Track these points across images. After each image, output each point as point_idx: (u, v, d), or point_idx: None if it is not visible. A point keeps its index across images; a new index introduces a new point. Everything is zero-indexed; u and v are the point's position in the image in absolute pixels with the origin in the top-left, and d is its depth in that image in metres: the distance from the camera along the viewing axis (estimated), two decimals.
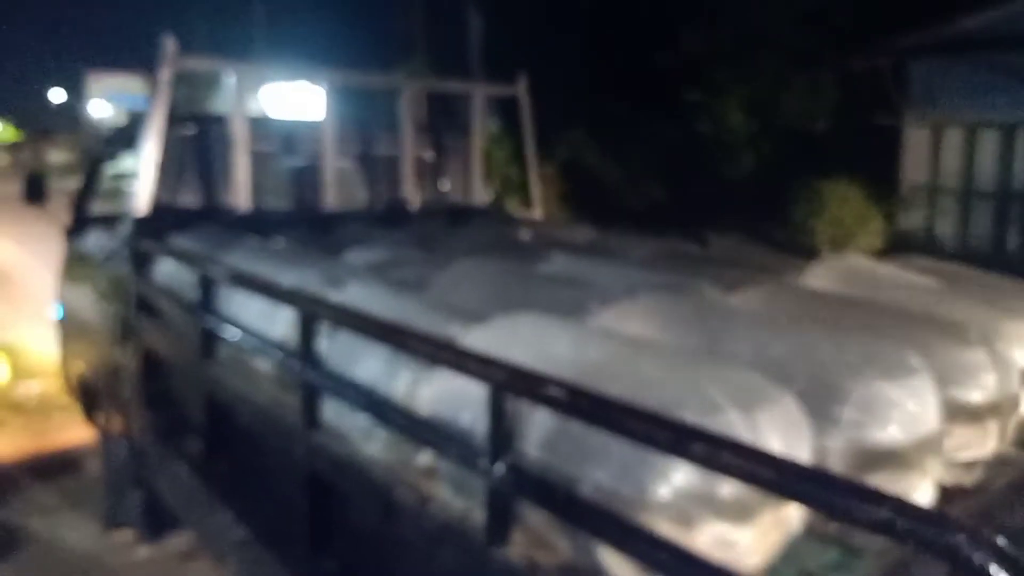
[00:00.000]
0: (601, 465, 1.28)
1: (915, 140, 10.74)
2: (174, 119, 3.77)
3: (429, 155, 4.83)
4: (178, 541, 3.68)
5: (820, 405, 1.42)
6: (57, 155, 50.84)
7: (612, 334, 1.65)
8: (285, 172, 4.35)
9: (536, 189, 5.04)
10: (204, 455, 2.76)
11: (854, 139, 11.02)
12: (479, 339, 1.65)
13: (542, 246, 3.25)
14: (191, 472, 2.85)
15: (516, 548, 1.42)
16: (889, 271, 2.23)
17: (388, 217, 4.24)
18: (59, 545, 3.83)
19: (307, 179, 4.24)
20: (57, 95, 54.65)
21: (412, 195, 4.48)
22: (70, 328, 4.62)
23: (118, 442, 3.73)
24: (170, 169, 3.66)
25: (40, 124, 60.05)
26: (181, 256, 3.04)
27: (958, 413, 1.57)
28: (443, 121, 5.27)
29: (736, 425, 1.20)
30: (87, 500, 4.17)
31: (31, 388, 5.87)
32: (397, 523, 1.73)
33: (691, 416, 1.14)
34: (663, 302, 1.91)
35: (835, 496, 0.93)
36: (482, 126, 4.96)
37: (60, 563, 3.69)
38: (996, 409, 1.63)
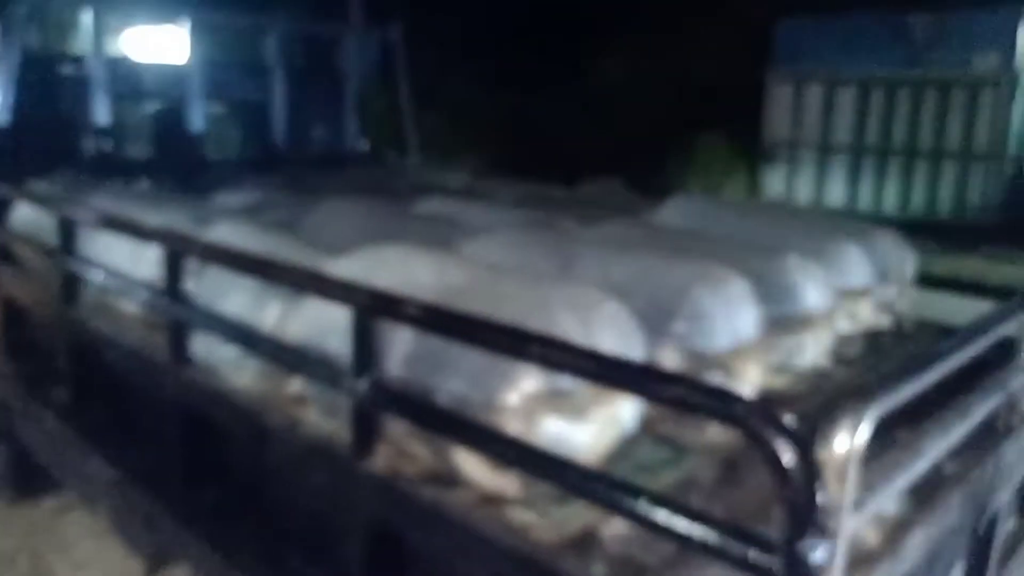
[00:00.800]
0: (454, 375, 1.40)
1: (779, 96, 11.30)
2: (28, 60, 3.61)
3: (300, 99, 4.73)
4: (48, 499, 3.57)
5: (655, 319, 1.58)
6: None
7: (471, 262, 1.76)
8: (147, 116, 4.19)
9: (412, 136, 5.05)
10: (71, 402, 2.71)
11: (734, 95, 11.49)
12: (344, 268, 1.72)
13: (415, 189, 3.32)
14: (58, 420, 2.80)
15: (380, 460, 1.52)
16: (730, 209, 2.43)
17: (258, 162, 4.18)
18: None
19: (170, 123, 4.11)
20: None
21: (282, 140, 4.42)
22: None
23: None
24: (26, 113, 3.50)
25: None
26: (40, 200, 2.93)
27: (777, 326, 1.76)
28: (319, 66, 5.17)
29: (571, 331, 1.34)
30: None
31: None
32: (269, 449, 1.80)
33: (533, 325, 1.26)
34: (522, 234, 2.03)
35: (639, 378, 1.07)
36: (357, 71, 4.92)
37: None
38: (811, 323, 1.84)
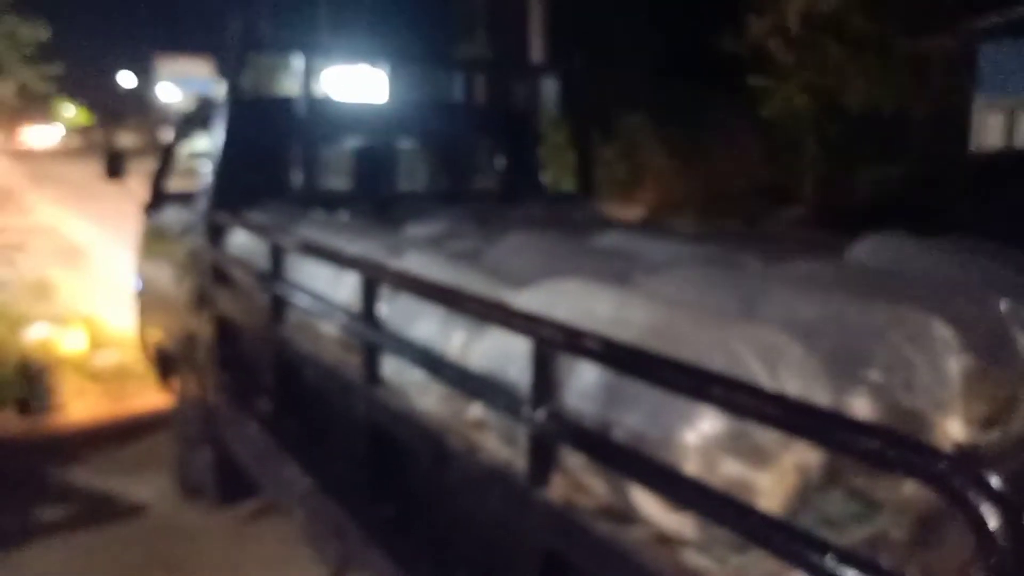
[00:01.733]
0: (632, 411, 1.40)
1: (987, 124, 10.49)
2: (244, 101, 3.99)
3: (484, 135, 4.96)
4: (247, 504, 3.89)
5: (845, 365, 1.51)
6: (127, 138, 52.56)
7: (652, 297, 1.77)
8: (349, 152, 4.52)
9: (591, 171, 5.14)
10: (273, 414, 2.96)
11: (921, 123, 10.84)
12: (527, 300, 1.78)
13: (594, 223, 3.37)
14: (261, 430, 3.06)
15: (556, 490, 1.54)
16: (933, 248, 2.27)
17: (444, 195, 4.41)
18: (135, 505, 4.07)
19: (368, 158, 4.47)
20: (126, 79, 56.32)
21: (467, 175, 4.65)
22: (147, 299, 4.90)
23: (192, 405, 3.98)
24: (241, 149, 3.85)
25: (110, 108, 62.12)
26: (253, 228, 3.23)
27: (985, 378, 1.63)
28: (502, 101, 5.52)
29: (754, 373, 1.31)
30: (163, 463, 4.41)
31: (108, 357, 6.17)
32: (448, 470, 1.88)
33: (714, 364, 1.25)
34: (703, 271, 2.01)
35: (832, 428, 1.03)
36: (539, 107, 5.11)
37: (137, 525, 3.92)
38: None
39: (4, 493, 4.09)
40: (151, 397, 5.22)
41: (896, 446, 0.96)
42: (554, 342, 1.50)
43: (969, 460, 0.99)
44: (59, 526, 3.83)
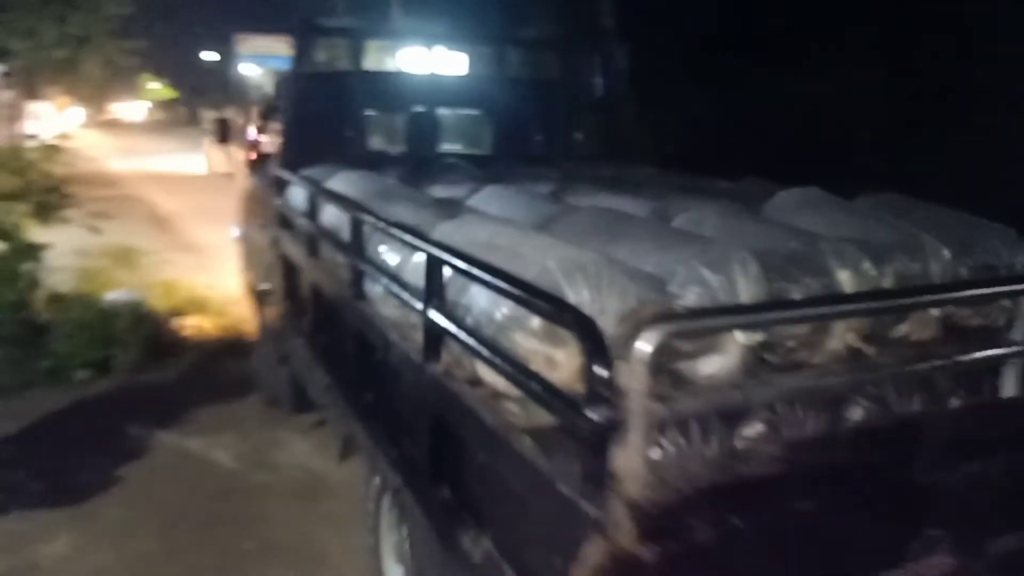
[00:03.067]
0: (476, 302, 2.04)
1: None
2: (303, 76, 4.71)
3: (541, 104, 5.31)
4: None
5: (651, 281, 2.08)
6: (208, 112, 54.51)
7: (526, 229, 2.46)
8: (406, 118, 5.07)
9: (633, 137, 5.62)
10: (311, 331, 3.81)
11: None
12: (440, 231, 2.44)
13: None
14: (304, 344, 3.87)
15: (440, 367, 2.17)
16: (835, 205, 2.83)
17: (484, 157, 4.88)
18: (208, 464, 4.36)
19: (420, 125, 5.01)
20: (208, 56, 58.37)
21: (522, 141, 5.26)
22: (245, 244, 5.73)
23: (271, 331, 4.76)
24: (302, 117, 4.59)
25: (193, 83, 64.59)
26: (296, 182, 3.98)
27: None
28: (570, 74, 6.05)
29: (559, 283, 1.92)
30: (236, 426, 4.81)
31: (187, 321, 6.48)
32: (392, 360, 2.51)
33: (530, 275, 1.91)
34: (596, 215, 2.63)
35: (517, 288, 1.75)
36: (591, 78, 5.56)
37: (209, 483, 4.17)
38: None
39: (86, 450, 4.34)
40: (228, 363, 5.80)
41: (555, 304, 1.68)
42: (432, 257, 2.13)
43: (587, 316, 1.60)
44: (135, 482, 4.08)
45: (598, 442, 1.40)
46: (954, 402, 2.11)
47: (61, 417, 4.81)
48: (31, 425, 4.66)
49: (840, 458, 1.67)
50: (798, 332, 2.07)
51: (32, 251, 5.41)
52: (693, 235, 2.40)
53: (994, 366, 1.98)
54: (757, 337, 2.00)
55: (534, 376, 1.69)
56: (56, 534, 3.56)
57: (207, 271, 8.23)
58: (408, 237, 2.36)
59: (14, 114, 19.02)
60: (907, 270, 2.34)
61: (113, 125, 55.43)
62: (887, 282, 2.29)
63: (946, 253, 2.42)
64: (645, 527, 1.38)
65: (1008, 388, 1.96)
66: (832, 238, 2.36)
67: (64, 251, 6.45)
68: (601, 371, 1.38)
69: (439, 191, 3.55)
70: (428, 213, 2.82)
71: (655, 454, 1.64)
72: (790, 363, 2.07)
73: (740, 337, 1.97)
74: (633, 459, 1.38)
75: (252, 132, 5.71)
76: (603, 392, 1.38)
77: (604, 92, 5.53)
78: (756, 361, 2.02)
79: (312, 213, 3.56)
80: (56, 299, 5.70)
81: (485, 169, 4.25)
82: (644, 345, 1.37)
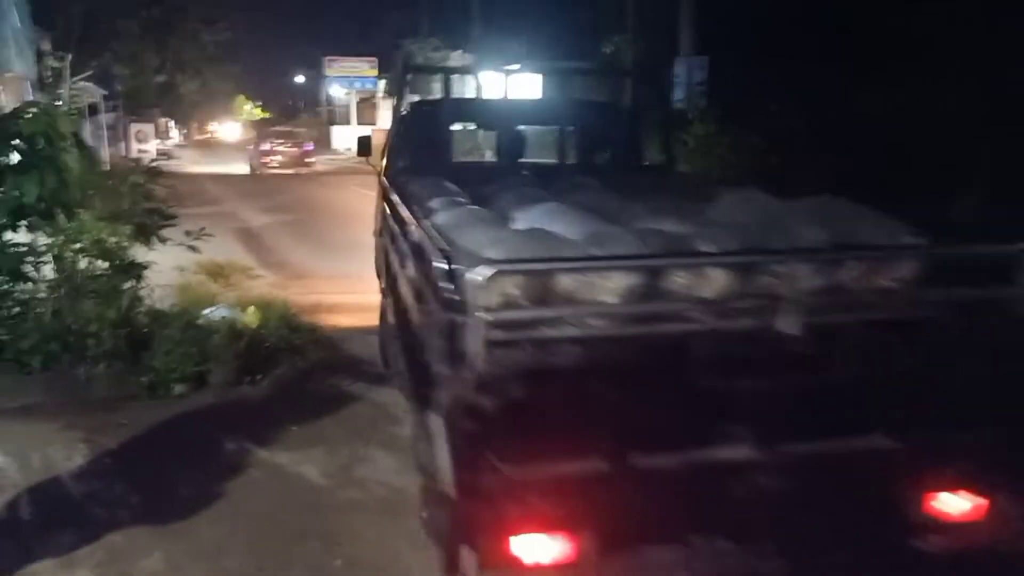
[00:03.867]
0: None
1: None
2: (413, 104, 6.05)
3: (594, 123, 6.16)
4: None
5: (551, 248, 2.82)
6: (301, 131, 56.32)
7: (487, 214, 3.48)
8: (490, 136, 6.65)
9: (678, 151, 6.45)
10: (389, 307, 4.96)
11: None
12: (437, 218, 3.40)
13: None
14: (385, 319, 5.17)
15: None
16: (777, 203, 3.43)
17: (556, 167, 5.91)
18: (301, 480, 4.38)
19: (508, 141, 6.02)
20: (298, 78, 60.53)
21: (580, 152, 6.17)
22: (377, 239, 6.11)
23: (385, 308, 5.31)
24: (404, 137, 5.54)
25: (284, 103, 67.10)
26: (386, 185, 4.92)
27: None
28: (649, 92, 7.06)
29: (486, 250, 2.65)
30: (329, 443, 4.84)
31: (280, 336, 6.32)
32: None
33: (475, 246, 2.76)
34: (553, 207, 3.41)
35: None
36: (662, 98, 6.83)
37: (302, 498, 4.20)
38: None
39: (181, 464, 4.47)
40: (319, 379, 5.89)
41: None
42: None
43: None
44: (228, 497, 4.17)
45: (449, 331, 2.31)
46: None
47: (159, 431, 4.94)
48: (130, 439, 4.80)
49: (620, 357, 2.40)
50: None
51: (134, 270, 5.62)
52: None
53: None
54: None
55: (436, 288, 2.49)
56: (152, 550, 3.64)
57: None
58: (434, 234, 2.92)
59: (116, 135, 20.08)
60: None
61: (208, 144, 57.84)
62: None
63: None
64: (476, 384, 2.21)
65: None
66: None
67: (164, 268, 6.65)
68: (450, 287, 2.37)
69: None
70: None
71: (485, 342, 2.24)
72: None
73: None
74: (471, 343, 2.20)
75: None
76: (453, 301, 2.32)
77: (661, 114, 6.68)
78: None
79: (391, 211, 4.26)
80: (156, 315, 5.89)
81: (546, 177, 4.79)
82: (476, 275, 2.21)
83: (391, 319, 4.61)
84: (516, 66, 33.14)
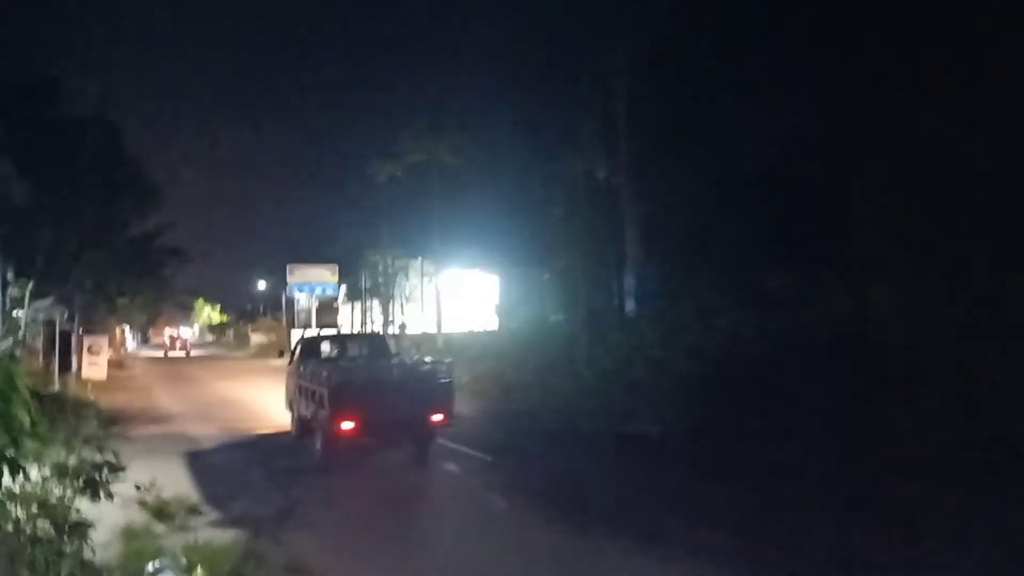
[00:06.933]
0: None
1: None
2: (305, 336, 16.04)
3: None
4: None
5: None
6: (256, 336, 56.51)
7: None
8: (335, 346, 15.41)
9: None
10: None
11: None
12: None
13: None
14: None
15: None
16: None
17: None
18: None
19: (342, 346, 15.47)
20: (259, 284, 61.70)
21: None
22: (290, 392, 14.20)
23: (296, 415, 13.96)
24: (307, 346, 15.21)
25: (243, 308, 67.86)
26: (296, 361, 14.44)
27: None
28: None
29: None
30: None
31: None
32: None
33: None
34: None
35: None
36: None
37: None
38: None
39: None
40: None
41: None
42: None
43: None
44: None
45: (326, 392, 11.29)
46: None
47: None
48: None
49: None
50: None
51: (79, 530, 5.32)
52: None
53: None
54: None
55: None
56: None
57: None
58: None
59: (67, 349, 19.78)
60: None
61: (162, 347, 57.63)
62: None
63: None
64: (339, 397, 11.12)
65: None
66: None
67: (111, 519, 6.33)
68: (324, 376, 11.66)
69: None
70: None
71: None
72: None
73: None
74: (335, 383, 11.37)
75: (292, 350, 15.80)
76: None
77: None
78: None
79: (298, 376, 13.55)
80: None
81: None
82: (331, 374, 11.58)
83: (298, 407, 13.36)
84: (474, 270, 34.58)
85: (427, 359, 15.52)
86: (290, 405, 13.99)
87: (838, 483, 9.19)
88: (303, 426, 12.89)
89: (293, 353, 14.95)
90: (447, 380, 11.84)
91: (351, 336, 17.30)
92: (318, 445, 11.77)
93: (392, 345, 16.64)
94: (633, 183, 20.60)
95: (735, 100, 16.20)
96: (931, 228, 12.34)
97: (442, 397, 11.62)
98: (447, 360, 13.31)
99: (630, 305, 20.84)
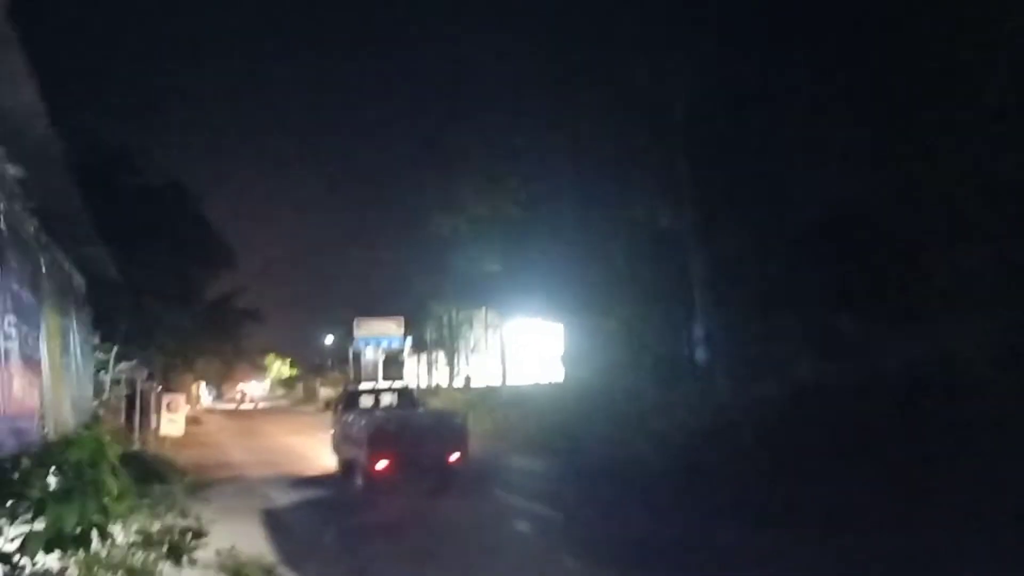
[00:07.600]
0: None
1: None
2: (348, 387, 19.87)
3: None
4: None
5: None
6: (324, 390, 57.42)
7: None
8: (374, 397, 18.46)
9: None
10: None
11: None
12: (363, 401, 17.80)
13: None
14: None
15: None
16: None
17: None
18: None
19: (377, 399, 18.45)
20: (328, 339, 62.93)
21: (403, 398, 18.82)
22: (336, 438, 16.81)
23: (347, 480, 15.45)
24: (348, 397, 18.34)
25: (313, 361, 69.16)
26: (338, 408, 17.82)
27: None
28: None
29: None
30: None
31: None
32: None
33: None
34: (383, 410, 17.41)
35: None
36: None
37: None
38: None
39: None
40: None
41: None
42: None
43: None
44: None
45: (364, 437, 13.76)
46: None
47: None
48: None
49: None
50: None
51: None
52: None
53: None
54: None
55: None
56: None
57: None
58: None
59: (146, 407, 20.43)
60: None
61: (234, 401, 58.86)
62: None
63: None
64: (375, 441, 13.55)
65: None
66: None
67: None
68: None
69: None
70: None
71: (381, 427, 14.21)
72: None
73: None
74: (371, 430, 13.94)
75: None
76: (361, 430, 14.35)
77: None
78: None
79: (344, 421, 16.18)
80: None
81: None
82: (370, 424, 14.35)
83: (342, 451, 16.07)
84: (537, 318, 34.58)
85: (444, 410, 21.07)
86: (336, 449, 16.56)
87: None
88: (346, 466, 15.42)
89: (337, 405, 18.03)
90: (462, 426, 14.57)
91: (384, 389, 18.56)
92: (359, 481, 14.11)
93: (418, 397, 19.62)
94: (698, 231, 20.44)
95: (803, 149, 16.06)
96: (1009, 269, 11.96)
97: (459, 440, 14.08)
98: (460, 413, 16.57)
99: (700, 353, 20.52)
